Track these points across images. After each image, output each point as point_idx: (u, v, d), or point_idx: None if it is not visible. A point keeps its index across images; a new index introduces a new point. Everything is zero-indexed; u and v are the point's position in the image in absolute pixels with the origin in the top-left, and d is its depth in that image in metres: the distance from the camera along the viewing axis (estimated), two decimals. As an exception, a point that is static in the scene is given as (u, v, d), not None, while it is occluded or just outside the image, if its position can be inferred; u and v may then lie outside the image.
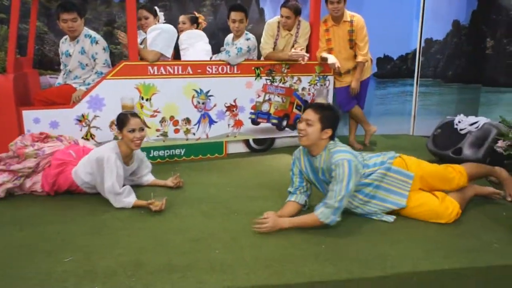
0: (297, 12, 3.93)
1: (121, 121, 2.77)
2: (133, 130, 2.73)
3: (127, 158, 2.85)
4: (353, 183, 2.26)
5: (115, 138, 3.41)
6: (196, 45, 3.89)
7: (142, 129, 2.77)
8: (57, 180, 2.82)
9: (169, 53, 3.67)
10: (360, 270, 1.92)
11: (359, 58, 4.11)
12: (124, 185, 2.70)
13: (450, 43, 4.91)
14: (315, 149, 2.39)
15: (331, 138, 2.39)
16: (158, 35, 3.58)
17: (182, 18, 4.07)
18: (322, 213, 2.24)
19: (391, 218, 2.44)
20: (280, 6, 3.98)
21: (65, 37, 3.66)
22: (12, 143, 2.91)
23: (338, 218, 2.27)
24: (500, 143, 2.81)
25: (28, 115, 3.30)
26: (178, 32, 3.88)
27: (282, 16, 3.94)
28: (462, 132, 3.61)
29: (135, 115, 2.81)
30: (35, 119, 3.32)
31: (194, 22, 4.09)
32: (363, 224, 2.41)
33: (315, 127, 2.32)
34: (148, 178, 3.11)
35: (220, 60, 3.79)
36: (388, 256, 2.04)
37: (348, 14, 4.07)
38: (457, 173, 2.58)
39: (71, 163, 2.85)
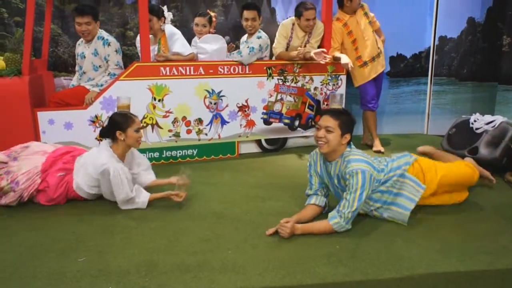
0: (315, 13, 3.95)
1: (125, 121, 2.65)
2: (138, 130, 2.68)
3: (122, 159, 2.75)
4: (366, 193, 2.26)
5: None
6: (214, 45, 3.83)
7: (142, 127, 2.70)
8: (61, 200, 2.72)
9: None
10: (374, 271, 1.90)
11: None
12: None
13: (465, 41, 4.83)
14: (332, 155, 2.37)
15: (348, 143, 2.38)
16: (178, 39, 3.69)
17: (201, 21, 3.96)
18: (337, 224, 2.23)
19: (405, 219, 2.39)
20: (302, 10, 3.86)
21: (81, 39, 3.71)
22: None
23: (349, 226, 2.26)
24: None
25: (43, 116, 3.35)
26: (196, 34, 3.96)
27: (307, 20, 3.87)
28: (478, 131, 3.54)
29: (134, 114, 2.76)
30: (50, 121, 3.36)
31: (211, 22, 4.05)
32: (376, 224, 2.39)
33: (336, 133, 2.30)
34: (147, 178, 2.86)
35: (232, 60, 3.80)
36: (403, 257, 2.01)
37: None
38: (470, 168, 2.77)
39: (70, 178, 2.69)
